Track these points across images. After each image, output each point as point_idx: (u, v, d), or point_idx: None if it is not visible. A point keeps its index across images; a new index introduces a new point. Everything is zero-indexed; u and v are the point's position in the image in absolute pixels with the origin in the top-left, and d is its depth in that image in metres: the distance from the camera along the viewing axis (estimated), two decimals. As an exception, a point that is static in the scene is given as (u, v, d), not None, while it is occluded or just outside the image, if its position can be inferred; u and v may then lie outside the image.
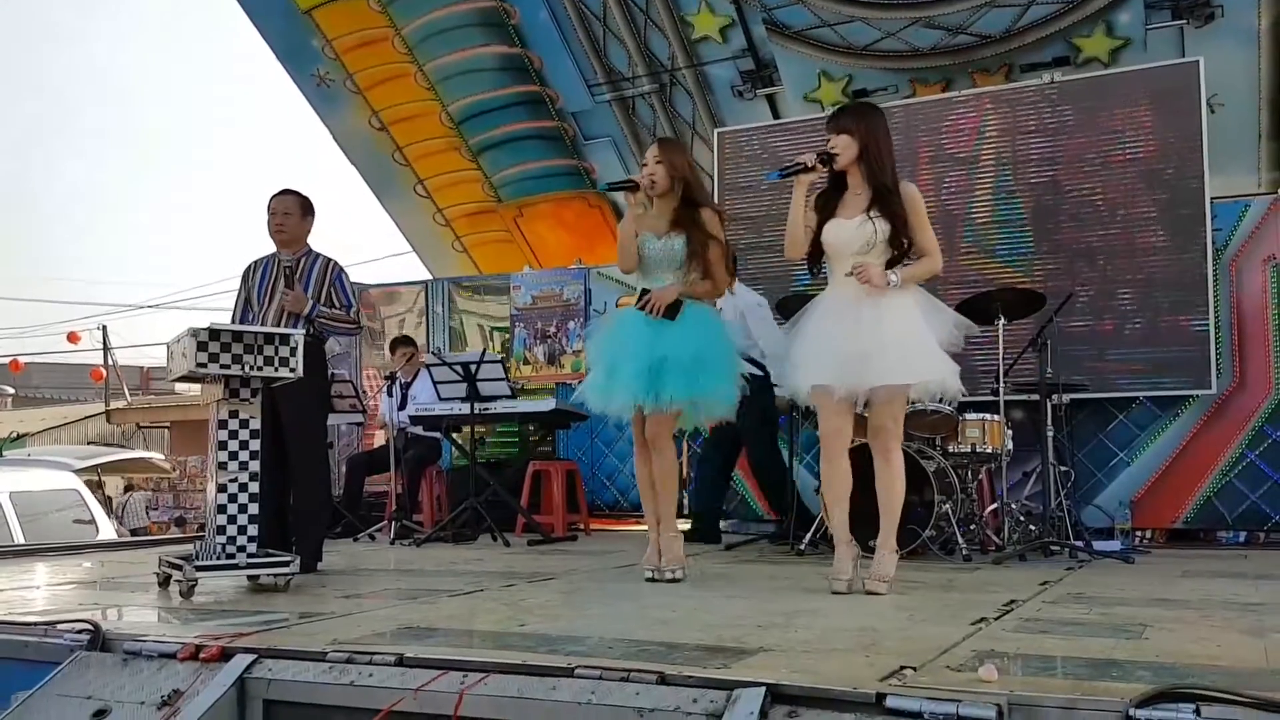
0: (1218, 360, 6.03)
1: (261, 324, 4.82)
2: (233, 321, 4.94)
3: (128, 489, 16.71)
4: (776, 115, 8.25)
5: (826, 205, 4.04)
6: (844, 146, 3.95)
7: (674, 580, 4.24)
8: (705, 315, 4.34)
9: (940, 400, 4.87)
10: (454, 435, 7.34)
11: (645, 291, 4.30)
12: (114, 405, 23.26)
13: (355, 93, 9.47)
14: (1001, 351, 5.35)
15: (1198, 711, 1.97)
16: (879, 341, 3.86)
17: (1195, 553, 5.77)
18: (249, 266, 5.09)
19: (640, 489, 4.49)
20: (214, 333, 3.93)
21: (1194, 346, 6.01)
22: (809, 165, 3.96)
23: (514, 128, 9.35)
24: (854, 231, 3.94)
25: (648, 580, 4.29)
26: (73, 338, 24.27)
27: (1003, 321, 5.36)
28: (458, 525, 6.58)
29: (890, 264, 3.92)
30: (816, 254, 4.06)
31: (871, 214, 3.93)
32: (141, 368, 30.04)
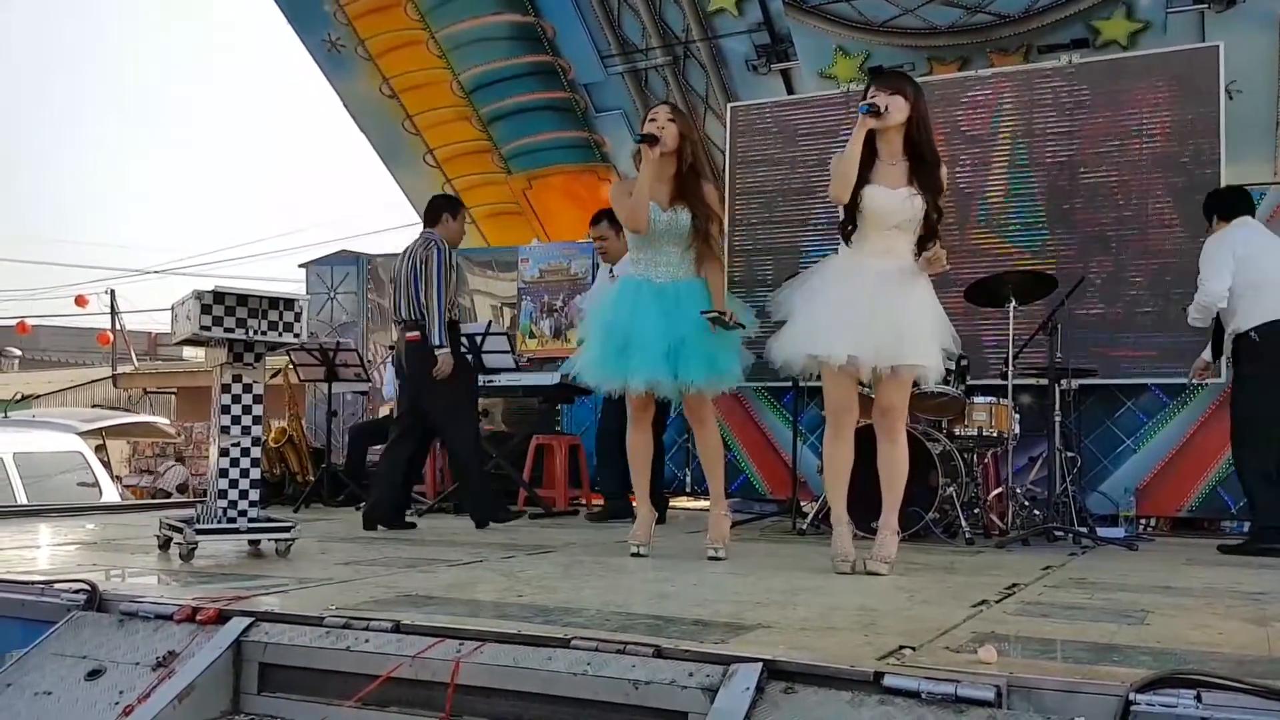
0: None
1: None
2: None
3: (179, 460, 16.67)
4: (791, 91, 8.18)
5: (861, 165, 3.85)
6: (898, 108, 3.83)
7: (715, 559, 4.18)
8: (709, 293, 4.31)
9: (946, 383, 4.84)
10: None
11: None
12: (121, 370, 23.28)
13: (366, 59, 9.41)
14: (1012, 334, 5.31)
15: (1199, 697, 1.95)
16: (915, 320, 3.83)
17: (1199, 541, 5.75)
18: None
19: (633, 462, 4.44)
20: (218, 295, 3.91)
21: (1205, 334, 5.95)
22: (882, 109, 3.80)
23: (525, 98, 9.28)
24: (901, 203, 3.84)
25: (633, 555, 4.27)
26: (80, 301, 24.28)
27: (1013, 304, 5.32)
28: (460, 497, 6.58)
29: (921, 241, 3.89)
30: (851, 216, 3.91)
31: (913, 185, 3.85)
32: (149, 333, 30.03)
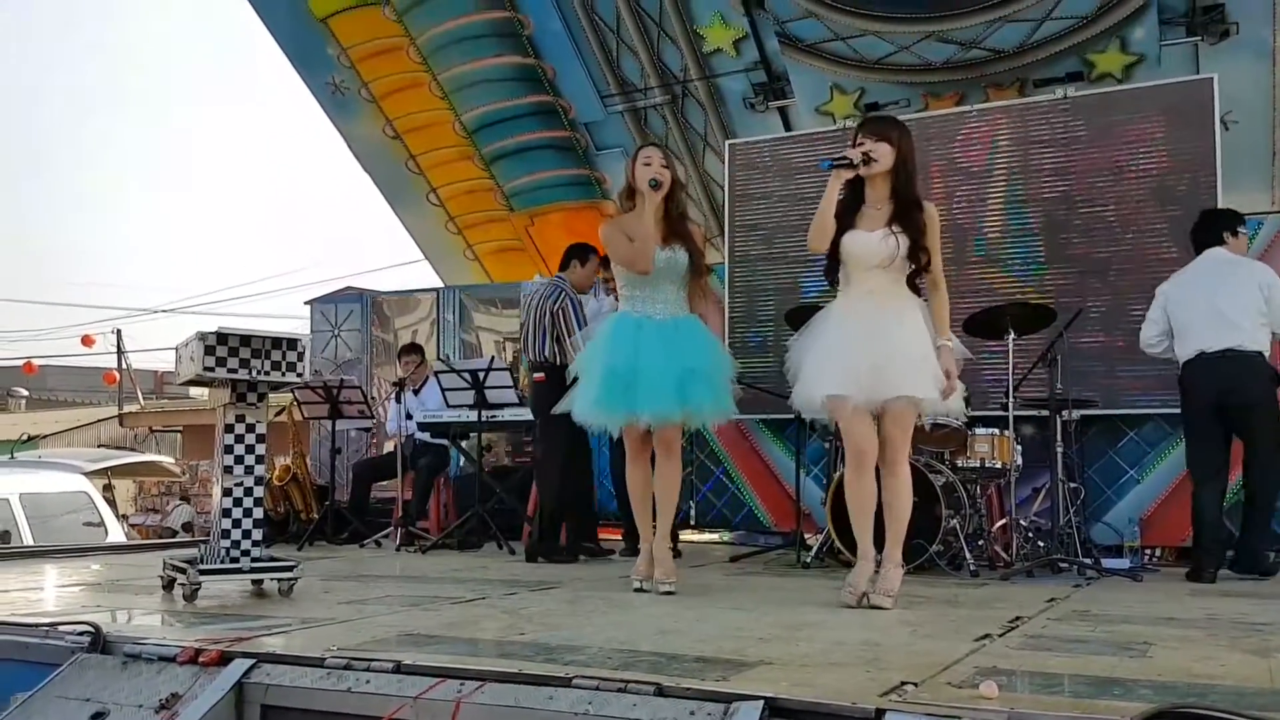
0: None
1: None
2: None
3: (184, 499, 16.69)
4: (788, 127, 8.26)
5: (843, 216, 4.03)
6: (884, 154, 3.94)
7: (668, 593, 4.20)
8: (707, 330, 4.43)
9: (948, 415, 4.85)
10: (461, 443, 7.33)
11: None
12: (127, 409, 23.36)
13: (370, 101, 9.51)
14: (1011, 366, 5.33)
15: (1199, 731, 1.95)
16: (899, 353, 3.87)
17: (1205, 572, 5.72)
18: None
19: (634, 498, 4.46)
20: (221, 336, 3.94)
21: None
22: (854, 162, 3.94)
23: (527, 137, 9.38)
24: (877, 245, 3.95)
25: (636, 591, 4.28)
26: (87, 341, 24.39)
27: (1013, 336, 5.34)
28: (463, 532, 6.59)
29: (910, 279, 3.98)
30: (834, 263, 4.07)
31: (894, 228, 3.94)
32: (155, 371, 30.12)
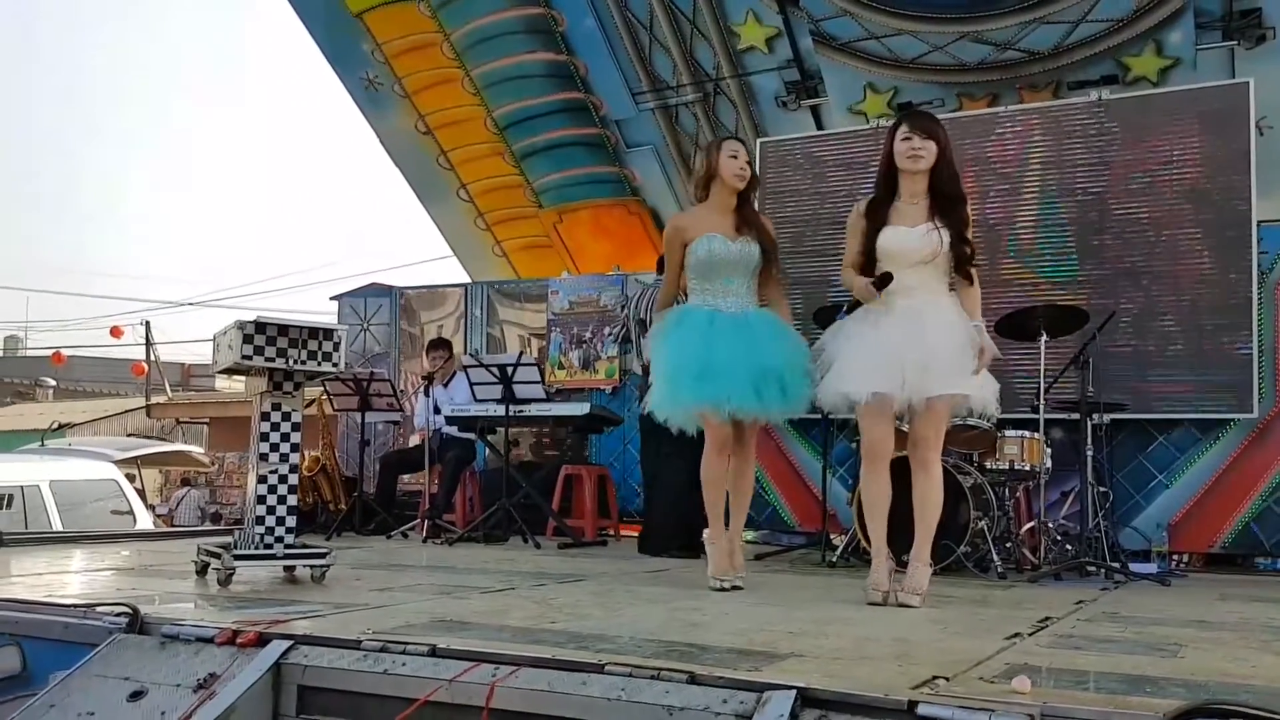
0: (1260, 384, 5.95)
1: None
2: None
3: (184, 483, 16.82)
4: (820, 126, 8.25)
5: (877, 212, 4.01)
6: (931, 153, 3.95)
7: (735, 589, 4.17)
8: (782, 322, 4.35)
9: (978, 416, 4.83)
10: (488, 437, 7.38)
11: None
12: (154, 400, 23.55)
13: (403, 96, 9.58)
14: (1043, 369, 5.31)
15: (1233, 729, 1.95)
16: (938, 352, 3.85)
17: (1232, 577, 5.70)
18: None
19: (710, 491, 4.32)
20: (260, 325, 3.99)
21: (1237, 369, 5.93)
22: (871, 294, 3.95)
23: (557, 134, 9.42)
24: (919, 240, 3.92)
25: (715, 590, 4.15)
26: (115, 332, 24.61)
27: (1044, 338, 5.32)
28: (489, 526, 6.62)
29: (955, 268, 3.96)
30: (870, 264, 4.02)
31: (936, 223, 3.92)
32: (182, 364, 30.39)
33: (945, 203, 3.95)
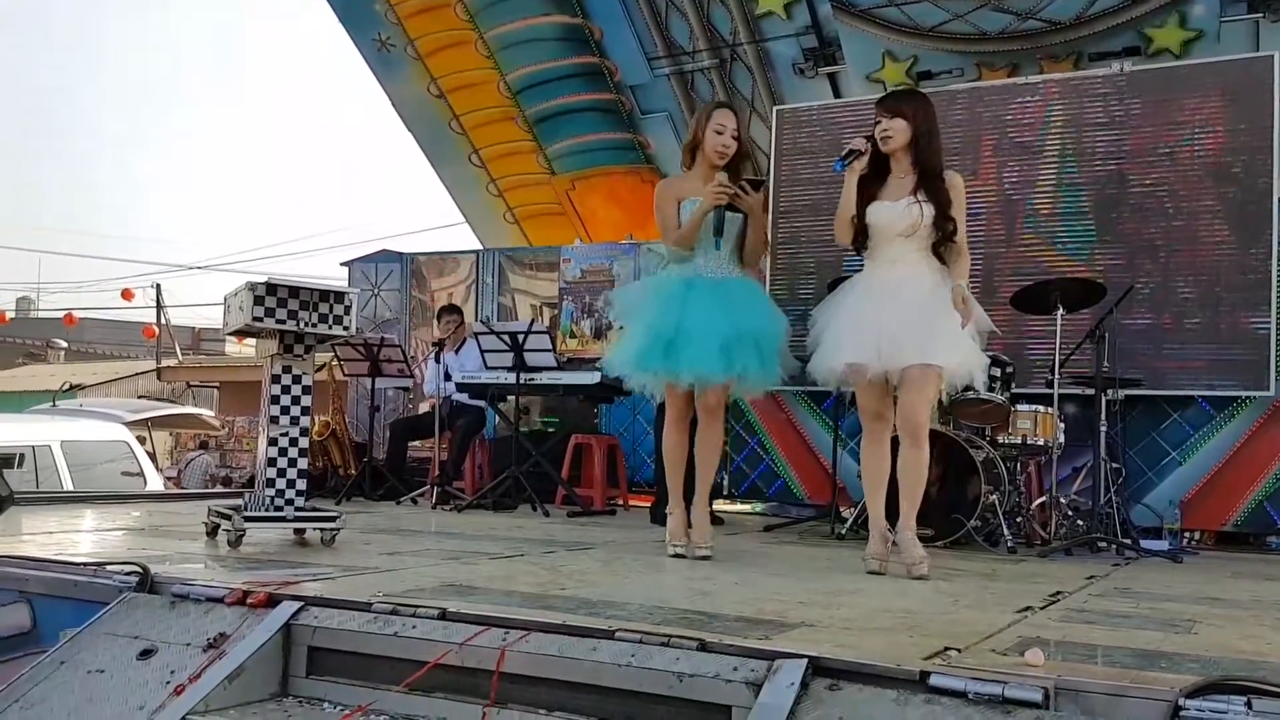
0: (1278, 362, 5.89)
1: None
2: None
3: (203, 445, 16.85)
4: (838, 94, 8.17)
5: (867, 189, 4.06)
6: (898, 130, 4.01)
7: (704, 558, 4.18)
8: (762, 292, 4.38)
9: (967, 390, 4.76)
10: (499, 405, 7.37)
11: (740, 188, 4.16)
12: (165, 363, 23.60)
13: (415, 59, 9.50)
14: (1059, 343, 5.26)
15: (1249, 704, 1.93)
16: (917, 321, 3.88)
17: (1245, 556, 5.67)
18: None
19: (669, 461, 4.36)
20: (271, 287, 3.97)
21: (1254, 347, 5.88)
22: (862, 150, 4.01)
23: (571, 99, 9.34)
24: (901, 213, 3.98)
25: (673, 556, 4.21)
26: (127, 295, 24.60)
27: (1061, 312, 5.28)
28: (498, 493, 6.63)
29: (935, 246, 3.99)
30: (862, 235, 4.09)
31: (919, 197, 3.96)
32: (193, 327, 30.43)
33: (926, 178, 3.99)
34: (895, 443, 4.08)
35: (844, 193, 4.08)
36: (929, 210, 3.94)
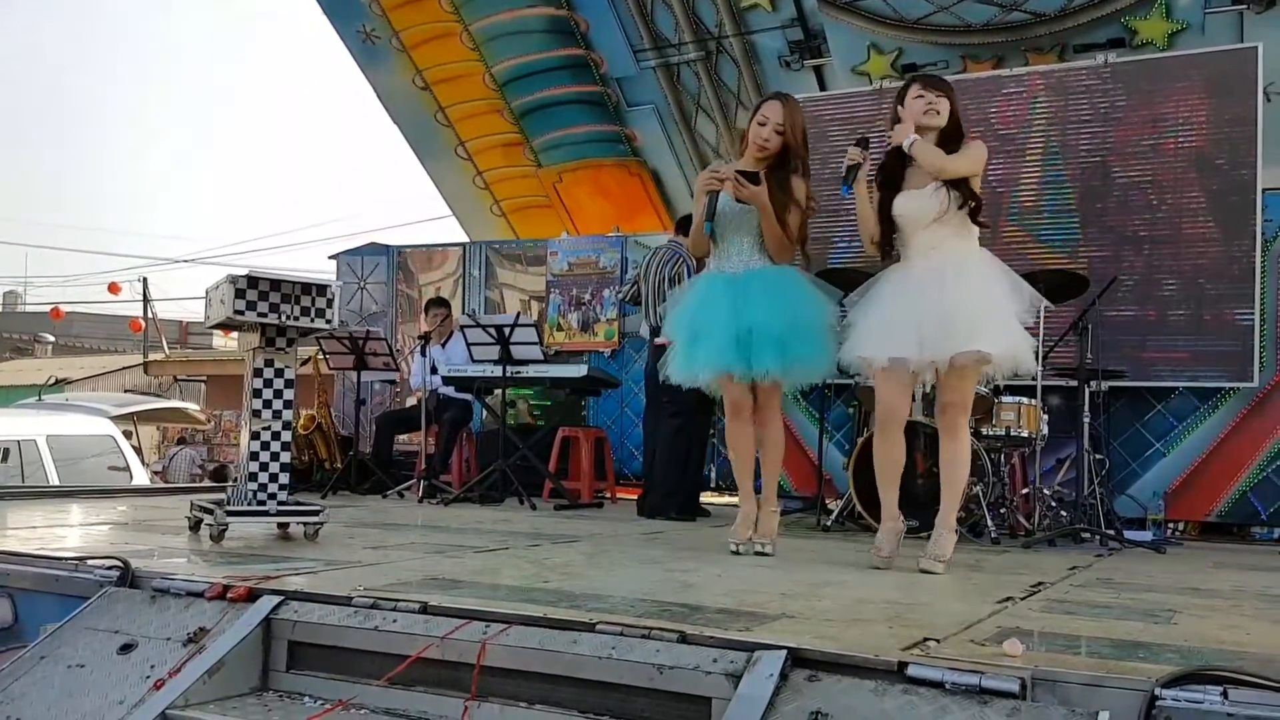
0: (1261, 353, 5.93)
1: None
2: None
3: (180, 441, 16.83)
4: (823, 87, 8.18)
5: (890, 178, 3.99)
6: (945, 109, 3.93)
7: (762, 554, 4.13)
8: (793, 279, 4.18)
9: (1009, 376, 4.74)
10: (485, 398, 7.36)
11: (751, 175, 4.04)
12: (152, 357, 23.53)
13: (400, 51, 9.48)
14: (1042, 334, 5.27)
15: (1225, 694, 1.94)
16: (957, 310, 3.78)
17: (1228, 546, 5.70)
18: None
19: (733, 456, 4.33)
20: (252, 280, 3.95)
21: (1237, 338, 5.91)
22: (860, 161, 3.97)
23: (557, 91, 9.33)
24: (928, 200, 3.88)
25: (732, 553, 4.14)
26: (114, 288, 24.52)
27: (1045, 303, 5.27)
28: (485, 487, 6.62)
29: (973, 214, 3.90)
30: (888, 233, 4.00)
31: (938, 184, 3.88)
32: (180, 321, 30.35)
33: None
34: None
35: (860, 208, 4.01)
36: (955, 194, 3.86)
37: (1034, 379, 5.31)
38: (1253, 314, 5.88)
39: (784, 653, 2.17)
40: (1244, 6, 6.85)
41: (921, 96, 3.92)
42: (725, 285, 4.16)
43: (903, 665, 2.11)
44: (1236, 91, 5.98)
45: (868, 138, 4.08)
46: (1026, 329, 3.92)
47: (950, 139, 3.94)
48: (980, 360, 3.84)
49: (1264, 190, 5.94)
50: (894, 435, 3.99)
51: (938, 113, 3.91)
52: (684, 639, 2.30)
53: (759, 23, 8.27)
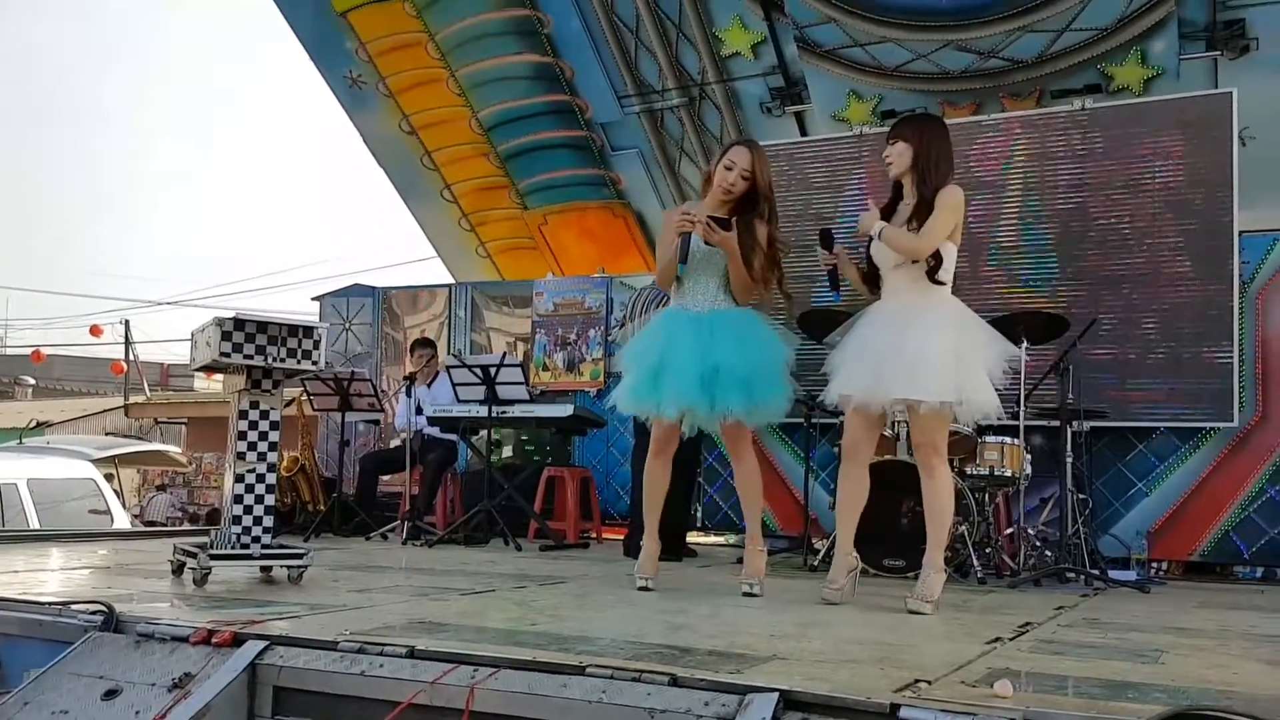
0: (1241, 393, 5.98)
1: None
2: None
3: (160, 488, 16.73)
4: (804, 133, 8.27)
5: (887, 209, 4.07)
6: (898, 154, 3.99)
7: (751, 595, 4.13)
8: (754, 321, 4.24)
9: (968, 423, 4.80)
10: (470, 438, 7.34)
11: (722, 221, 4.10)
12: (133, 399, 23.39)
13: (387, 96, 9.54)
14: (1024, 375, 5.31)
15: (1215, 734, 1.95)
16: (911, 355, 3.83)
17: (1211, 586, 5.72)
18: None
19: (646, 491, 4.37)
20: (238, 323, 3.96)
21: (1217, 378, 5.96)
22: (833, 262, 4.14)
23: (543, 136, 9.40)
24: (888, 248, 3.97)
25: (640, 590, 4.18)
26: (95, 331, 24.43)
27: (1025, 345, 5.33)
28: (470, 528, 6.59)
29: (929, 273, 3.92)
30: (874, 272, 4.08)
31: (911, 225, 3.92)
32: (161, 364, 30.20)
33: (921, 204, 3.94)
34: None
35: (849, 275, 4.17)
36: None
37: (1016, 419, 5.36)
38: (1231, 354, 5.94)
39: (776, 695, 2.17)
40: (1218, 53, 6.98)
41: (885, 150, 4.04)
42: (690, 323, 4.20)
43: (895, 707, 2.11)
44: (1212, 136, 6.07)
45: (829, 231, 4.18)
46: (1004, 374, 3.99)
47: (920, 183, 3.95)
48: (940, 407, 3.86)
49: (1240, 232, 6.02)
50: (854, 470, 4.03)
51: (891, 163, 4.01)
52: (675, 682, 2.29)
53: (741, 70, 8.38)
